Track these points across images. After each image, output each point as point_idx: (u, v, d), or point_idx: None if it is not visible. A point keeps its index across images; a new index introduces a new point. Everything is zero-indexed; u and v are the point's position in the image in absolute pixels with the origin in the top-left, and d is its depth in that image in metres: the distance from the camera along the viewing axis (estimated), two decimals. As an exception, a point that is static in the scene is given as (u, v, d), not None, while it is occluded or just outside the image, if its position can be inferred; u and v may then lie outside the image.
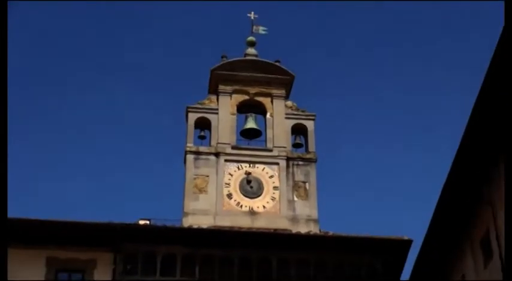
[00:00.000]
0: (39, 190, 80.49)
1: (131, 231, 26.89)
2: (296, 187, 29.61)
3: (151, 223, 27.33)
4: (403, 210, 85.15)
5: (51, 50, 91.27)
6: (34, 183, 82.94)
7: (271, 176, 29.69)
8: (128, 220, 27.30)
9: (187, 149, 30.06)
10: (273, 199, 29.24)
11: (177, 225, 27.91)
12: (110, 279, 26.57)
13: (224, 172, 29.67)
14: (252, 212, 28.83)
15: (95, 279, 26.84)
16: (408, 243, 27.72)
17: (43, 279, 26.68)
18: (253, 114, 31.44)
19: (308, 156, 30.60)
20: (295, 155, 30.61)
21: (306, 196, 29.48)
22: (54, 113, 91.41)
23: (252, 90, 31.68)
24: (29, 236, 26.74)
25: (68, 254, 26.98)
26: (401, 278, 30.16)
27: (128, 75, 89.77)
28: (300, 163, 30.29)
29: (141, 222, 27.23)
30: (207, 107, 31.19)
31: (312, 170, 30.28)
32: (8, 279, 25.56)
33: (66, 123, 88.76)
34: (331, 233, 28.32)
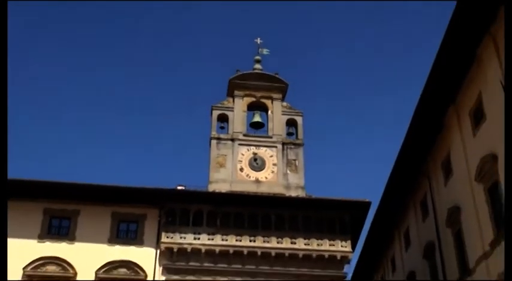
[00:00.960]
0: (109, 163, 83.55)
1: (172, 194, 27.10)
2: (289, 163, 29.69)
3: (186, 188, 27.56)
4: (366, 178, 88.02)
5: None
6: (107, 158, 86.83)
7: (271, 156, 29.81)
8: (169, 186, 27.52)
9: (212, 136, 30.12)
10: (273, 171, 29.36)
11: (204, 190, 28.03)
12: (157, 228, 26.74)
13: (238, 152, 29.75)
14: (257, 181, 29.00)
15: (146, 228, 27.00)
16: (368, 204, 28.00)
17: (109, 228, 26.83)
18: (259, 112, 31.42)
19: (297, 141, 30.62)
20: (288, 140, 30.58)
21: (296, 170, 29.58)
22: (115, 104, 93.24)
23: (258, 94, 31.59)
24: (98, 196, 26.90)
25: (127, 210, 27.23)
26: (363, 228, 30.29)
27: (168, 84, 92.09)
28: (292, 146, 30.35)
29: (179, 187, 27.44)
30: (226, 106, 31.25)
31: (300, 151, 30.33)
32: (81, 233, 26.34)
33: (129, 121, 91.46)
34: (313, 196, 28.53)
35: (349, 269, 28.51)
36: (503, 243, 17.87)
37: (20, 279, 24.93)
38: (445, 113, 23.18)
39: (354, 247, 28.65)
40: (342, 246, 26.86)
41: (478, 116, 20.43)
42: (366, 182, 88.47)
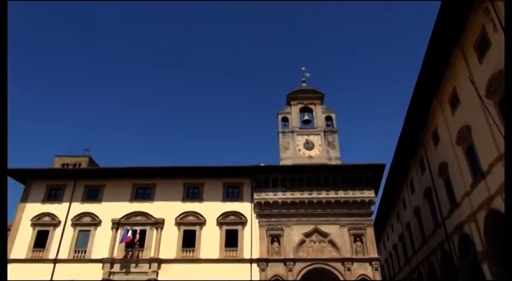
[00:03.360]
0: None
1: (258, 168, 27.52)
2: (329, 144, 29.25)
3: (266, 164, 27.71)
4: (382, 147, 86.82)
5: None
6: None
7: (317, 140, 29.43)
8: (256, 163, 27.73)
9: (279, 131, 30.09)
10: (319, 150, 29.05)
11: (277, 164, 28.23)
12: (250, 191, 27.21)
13: (296, 139, 29.53)
14: (310, 157, 28.74)
15: (244, 191, 27.49)
16: (383, 165, 27.26)
17: (222, 192, 27.42)
18: (307, 113, 31.08)
19: (333, 129, 29.90)
20: (327, 129, 29.92)
21: (334, 147, 29.06)
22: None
23: (306, 102, 31.35)
24: (215, 173, 27.57)
25: (232, 180, 27.77)
26: (381, 183, 29.58)
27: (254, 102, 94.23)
28: (330, 133, 29.67)
29: (262, 164, 27.61)
30: (286, 111, 31.08)
31: (335, 136, 29.58)
32: (206, 196, 27.01)
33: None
34: (346, 163, 27.95)
35: (374, 208, 28.09)
36: (480, 184, 17.33)
37: (173, 225, 26.48)
38: (430, 104, 22.53)
39: (376, 193, 28.17)
40: (368, 194, 26.43)
41: (454, 102, 19.87)
42: (381, 150, 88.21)
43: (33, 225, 27.00)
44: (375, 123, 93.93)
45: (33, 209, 27.57)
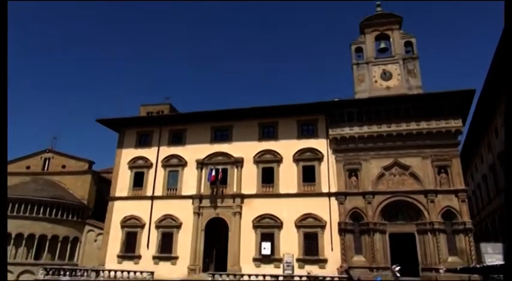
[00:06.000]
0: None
1: (332, 104, 27.12)
2: (409, 72, 27.44)
3: (340, 99, 27.10)
4: (469, 71, 79.45)
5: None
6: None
7: (396, 69, 27.76)
8: (329, 99, 27.26)
9: (353, 62, 28.78)
10: (398, 80, 27.51)
11: (352, 98, 27.51)
12: (325, 127, 27.21)
13: (371, 70, 28.18)
14: (387, 88, 27.43)
15: (319, 127, 27.57)
16: (473, 91, 24.96)
17: (296, 130, 27.84)
18: (383, 40, 29.01)
19: (414, 56, 27.83)
20: (407, 56, 27.95)
21: (414, 75, 27.26)
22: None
23: (381, 28, 29.14)
24: (289, 111, 27.77)
25: (305, 117, 27.88)
26: (470, 111, 27.24)
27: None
28: (410, 60, 27.70)
29: (335, 99, 27.05)
30: (359, 41, 29.26)
31: (416, 63, 27.58)
32: (281, 135, 27.59)
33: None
34: (429, 92, 26.10)
35: (461, 138, 26.30)
36: None
37: (252, 163, 27.90)
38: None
39: (464, 122, 26.24)
40: (454, 123, 24.97)
41: None
42: (467, 75, 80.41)
43: (130, 168, 30.58)
44: (461, 46, 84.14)
45: (128, 153, 31.05)
